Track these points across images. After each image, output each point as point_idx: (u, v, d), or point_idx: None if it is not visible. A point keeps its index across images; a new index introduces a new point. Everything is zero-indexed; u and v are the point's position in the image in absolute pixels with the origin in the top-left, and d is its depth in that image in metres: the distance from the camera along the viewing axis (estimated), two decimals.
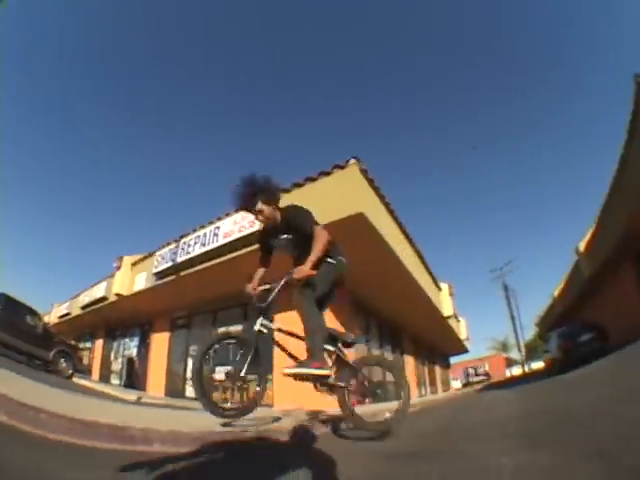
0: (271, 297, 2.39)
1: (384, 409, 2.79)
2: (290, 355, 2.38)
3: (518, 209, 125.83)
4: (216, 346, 2.32)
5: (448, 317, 13.32)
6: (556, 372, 9.06)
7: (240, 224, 6.67)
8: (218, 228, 7.04)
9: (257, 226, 6.37)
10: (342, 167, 5.89)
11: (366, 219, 5.58)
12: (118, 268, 10.20)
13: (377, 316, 10.31)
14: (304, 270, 2.13)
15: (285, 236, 2.42)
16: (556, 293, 19.66)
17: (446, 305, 13.21)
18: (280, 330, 2.48)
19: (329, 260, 2.34)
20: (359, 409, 2.63)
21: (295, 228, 2.33)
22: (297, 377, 2.10)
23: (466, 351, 23.54)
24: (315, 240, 2.22)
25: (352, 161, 5.86)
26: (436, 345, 18.72)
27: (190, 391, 8.49)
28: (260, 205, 2.33)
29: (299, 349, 2.35)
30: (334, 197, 5.76)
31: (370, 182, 6.12)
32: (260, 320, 2.37)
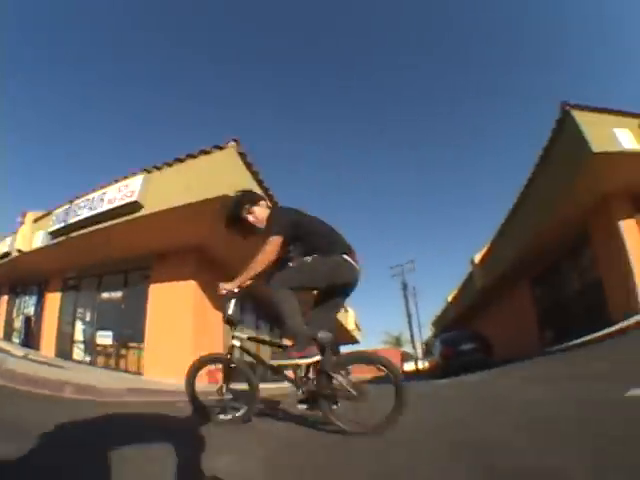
0: (231, 309, 2.26)
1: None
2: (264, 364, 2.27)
3: (427, 212, 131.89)
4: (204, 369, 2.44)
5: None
6: (438, 376, 9.48)
7: (124, 192, 6.69)
8: (105, 194, 7.01)
9: (137, 196, 6.44)
10: (221, 148, 6.02)
11: None
12: (21, 224, 9.90)
13: (251, 297, 10.28)
14: (223, 286, 2.19)
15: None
16: (450, 298, 20.74)
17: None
18: (250, 338, 2.45)
19: (327, 255, 2.05)
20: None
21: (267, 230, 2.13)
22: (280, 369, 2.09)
23: (356, 342, 24.51)
24: (261, 250, 2.02)
25: (231, 143, 6.00)
26: None
27: (78, 353, 8.53)
28: (248, 208, 2.27)
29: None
30: (207, 176, 5.90)
31: (248, 166, 6.29)
32: (233, 333, 2.30)
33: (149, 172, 6.59)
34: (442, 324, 23.93)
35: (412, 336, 26.93)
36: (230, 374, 2.26)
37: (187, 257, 7.09)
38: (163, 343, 6.75)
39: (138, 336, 7.00)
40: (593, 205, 7.63)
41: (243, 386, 2.30)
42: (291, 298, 1.99)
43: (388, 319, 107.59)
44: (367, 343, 46.76)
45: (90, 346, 7.96)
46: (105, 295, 7.93)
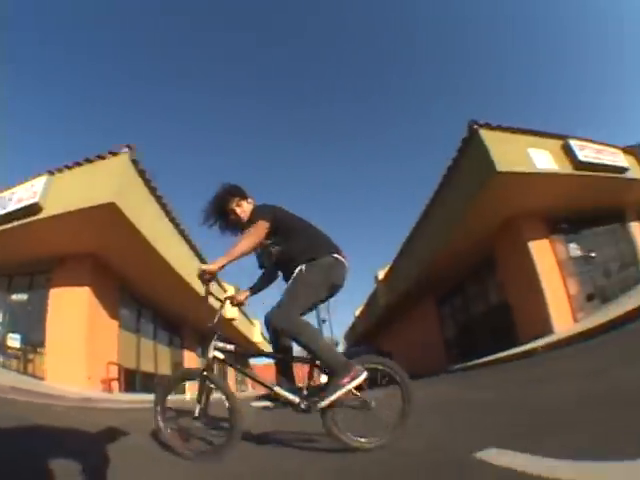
0: (217, 316, 2.02)
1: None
2: (256, 381, 2.03)
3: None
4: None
5: (232, 319, 13.87)
6: None
7: (29, 192, 6.63)
8: (14, 193, 6.96)
9: (38, 198, 6.39)
10: (115, 154, 5.96)
11: (118, 209, 5.69)
12: None
13: (150, 306, 10.37)
14: (203, 267, 1.85)
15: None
16: (357, 312, 20.81)
17: (230, 308, 13.67)
18: (236, 352, 2.10)
19: (316, 258, 1.92)
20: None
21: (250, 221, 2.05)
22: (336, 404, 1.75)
23: (264, 354, 24.68)
24: (248, 231, 1.94)
25: (124, 150, 5.93)
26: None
27: None
28: (237, 201, 2.17)
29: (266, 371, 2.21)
30: (100, 182, 5.84)
31: (141, 173, 6.23)
32: (213, 343, 1.92)
33: (52, 174, 6.52)
34: (352, 338, 23.90)
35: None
36: (208, 394, 1.87)
37: (83, 262, 7.02)
38: (61, 349, 6.70)
39: (40, 341, 6.97)
40: (500, 225, 7.51)
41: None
42: (308, 326, 1.82)
43: None
44: None
45: (2, 348, 7.92)
46: (14, 297, 7.89)
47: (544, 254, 7.03)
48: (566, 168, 6.99)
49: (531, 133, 6.91)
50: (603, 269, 8.74)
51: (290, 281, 1.90)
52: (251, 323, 20.74)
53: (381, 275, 13.51)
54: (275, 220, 1.99)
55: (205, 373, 1.84)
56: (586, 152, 7.56)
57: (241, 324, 16.92)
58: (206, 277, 1.86)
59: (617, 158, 8.66)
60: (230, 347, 1.97)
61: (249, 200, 2.23)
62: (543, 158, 6.73)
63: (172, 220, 7.93)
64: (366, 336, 18.99)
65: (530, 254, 6.90)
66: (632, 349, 3.49)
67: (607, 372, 2.61)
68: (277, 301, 1.84)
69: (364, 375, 1.73)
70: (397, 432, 1.78)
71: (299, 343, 1.79)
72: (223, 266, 1.86)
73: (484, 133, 6.24)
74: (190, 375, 2.14)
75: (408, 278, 10.76)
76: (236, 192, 2.20)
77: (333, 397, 1.70)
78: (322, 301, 2.05)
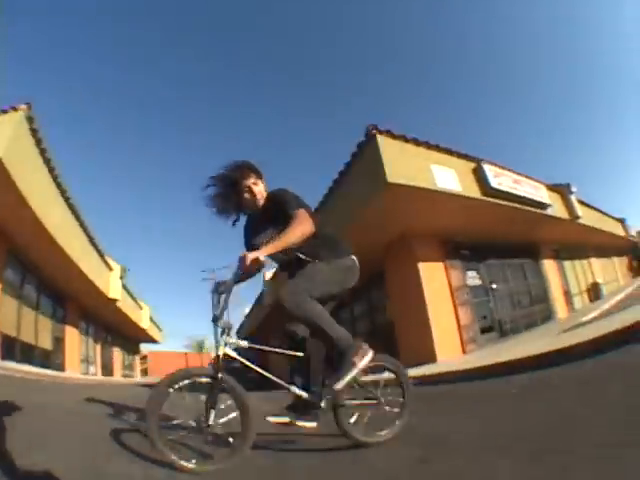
0: (221, 306, 1.81)
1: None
2: (273, 379, 1.83)
3: None
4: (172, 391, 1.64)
5: (114, 300, 13.27)
6: None
7: None
8: None
9: None
10: (15, 109, 5.50)
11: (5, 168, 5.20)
12: None
13: (36, 273, 9.69)
14: (251, 255, 1.63)
15: (270, 230, 1.94)
16: (246, 311, 20.91)
17: (114, 288, 13.15)
18: (252, 349, 1.91)
19: (337, 258, 1.92)
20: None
21: (277, 208, 1.88)
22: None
23: (155, 341, 23.93)
24: (292, 222, 1.75)
25: (22, 106, 5.50)
26: (116, 327, 17.70)
27: None
28: (254, 178, 1.98)
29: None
30: None
31: (33, 132, 5.72)
32: (224, 339, 1.76)
33: None
34: (241, 336, 23.80)
35: (216, 344, 27.51)
36: (216, 396, 1.64)
37: None
38: None
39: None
40: (393, 240, 7.13)
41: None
42: (318, 306, 1.75)
43: (198, 324, 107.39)
44: (169, 345, 47.77)
45: None
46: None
47: (435, 278, 6.72)
48: (473, 192, 6.70)
49: (441, 150, 6.59)
50: (509, 302, 8.60)
51: (308, 268, 1.84)
52: (139, 307, 18.60)
53: (268, 275, 12.99)
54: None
55: (216, 374, 1.65)
56: (501, 180, 7.32)
57: (127, 306, 15.56)
58: (248, 265, 1.63)
59: (540, 193, 8.52)
60: (244, 344, 1.83)
61: (264, 179, 2.06)
62: (448, 177, 6.43)
63: (61, 189, 7.34)
64: (254, 335, 18.11)
65: (419, 276, 6.56)
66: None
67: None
68: (289, 282, 1.79)
69: (371, 352, 1.75)
70: (403, 424, 1.90)
71: (308, 321, 1.73)
72: (266, 255, 1.70)
73: (382, 140, 5.84)
74: (196, 375, 1.72)
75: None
76: (255, 169, 2.03)
77: (348, 377, 1.67)
78: (332, 299, 1.99)
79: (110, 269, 13.20)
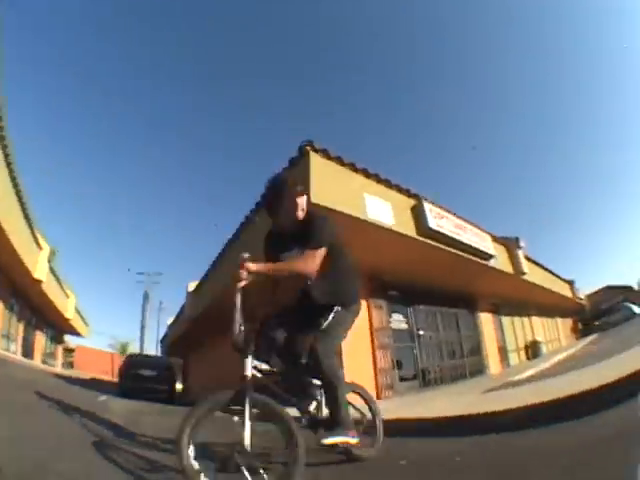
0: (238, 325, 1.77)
1: None
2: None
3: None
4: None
5: (39, 281, 12.23)
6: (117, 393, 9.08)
7: None
8: None
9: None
10: None
11: None
12: None
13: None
14: (250, 265, 1.81)
15: (295, 251, 1.99)
16: (169, 321, 19.89)
17: (40, 268, 12.08)
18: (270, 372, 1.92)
19: (353, 303, 2.17)
20: None
21: (308, 232, 1.93)
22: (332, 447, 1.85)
23: (78, 334, 22.92)
24: (303, 255, 1.88)
25: None
26: (39, 310, 16.09)
27: None
28: (299, 191, 2.05)
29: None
30: None
31: None
32: (249, 362, 1.72)
33: None
34: (164, 346, 22.61)
35: (142, 347, 26.13)
36: (253, 420, 1.59)
37: None
38: None
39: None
40: None
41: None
42: (341, 372, 1.93)
43: (127, 326, 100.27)
44: (94, 342, 47.92)
45: None
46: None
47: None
48: (409, 230, 6.34)
49: (381, 181, 6.23)
50: (437, 351, 8.19)
51: (336, 320, 1.98)
52: (65, 294, 17.04)
53: (191, 287, 11.94)
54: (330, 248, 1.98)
55: (250, 395, 1.62)
56: (442, 222, 7.03)
57: (51, 291, 14.22)
58: (242, 273, 1.79)
59: (485, 243, 8.31)
60: (265, 367, 1.87)
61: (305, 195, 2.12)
62: (381, 209, 6.02)
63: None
64: (176, 346, 16.91)
65: None
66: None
67: None
68: (320, 331, 1.92)
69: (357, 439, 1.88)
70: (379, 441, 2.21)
71: (327, 378, 1.84)
72: (259, 273, 1.83)
73: (315, 159, 5.39)
74: (228, 401, 1.65)
75: (203, 306, 9.25)
76: (298, 181, 2.19)
77: (338, 440, 1.78)
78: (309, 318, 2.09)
79: (40, 247, 12.01)
